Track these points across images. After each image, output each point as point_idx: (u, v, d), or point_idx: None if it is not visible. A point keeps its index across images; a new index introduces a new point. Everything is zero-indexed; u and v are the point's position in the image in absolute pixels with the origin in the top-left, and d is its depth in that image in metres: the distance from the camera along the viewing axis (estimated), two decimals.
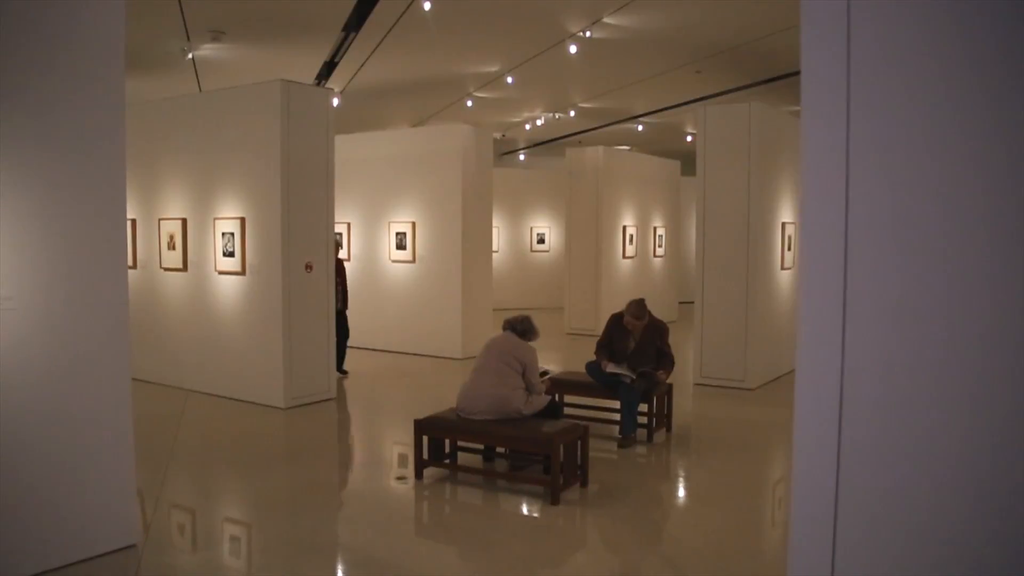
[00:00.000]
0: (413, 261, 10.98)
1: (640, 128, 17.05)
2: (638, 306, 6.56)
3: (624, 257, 13.96)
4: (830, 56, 1.77)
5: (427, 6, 7.75)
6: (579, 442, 5.26)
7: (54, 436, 3.94)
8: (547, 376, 6.03)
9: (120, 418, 4.22)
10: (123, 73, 4.16)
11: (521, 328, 5.52)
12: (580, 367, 7.15)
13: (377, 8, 8.09)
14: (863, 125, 1.77)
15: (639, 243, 14.38)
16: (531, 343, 5.56)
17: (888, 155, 1.75)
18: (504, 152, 21.65)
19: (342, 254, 10.57)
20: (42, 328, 3.89)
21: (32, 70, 3.80)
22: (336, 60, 10.21)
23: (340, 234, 10.70)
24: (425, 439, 5.49)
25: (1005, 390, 1.65)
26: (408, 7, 7.99)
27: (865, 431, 1.78)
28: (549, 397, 5.55)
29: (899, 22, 1.73)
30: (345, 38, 9.25)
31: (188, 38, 8.65)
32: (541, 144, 19.81)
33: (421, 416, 5.56)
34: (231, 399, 7.95)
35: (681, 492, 5.63)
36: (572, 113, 15.08)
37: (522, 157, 22.36)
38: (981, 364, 1.68)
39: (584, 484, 5.29)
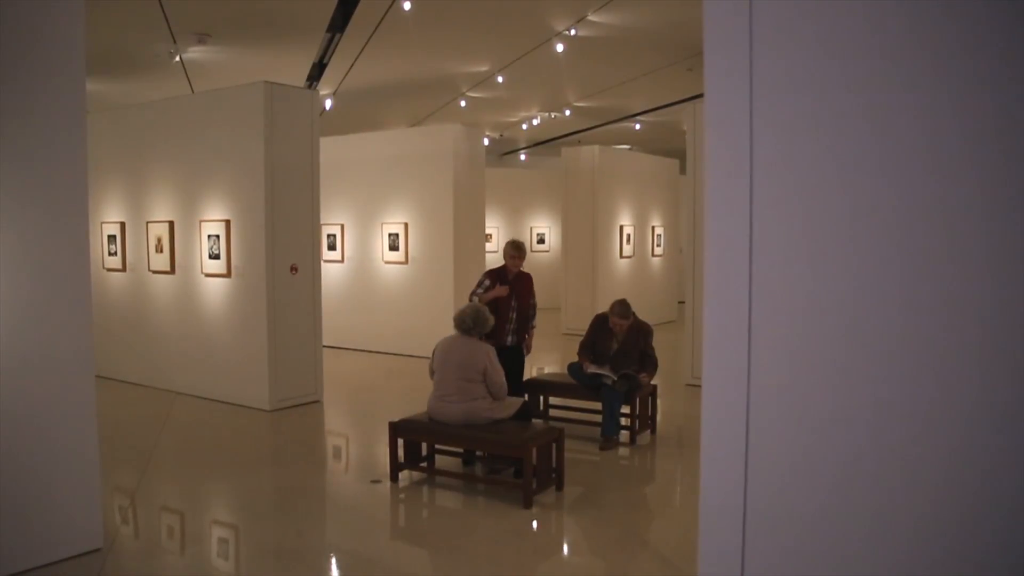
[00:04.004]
0: (406, 262, 10.95)
1: (638, 127, 16.95)
2: (623, 306, 6.51)
3: (621, 257, 13.88)
4: (734, 72, 1.73)
5: (407, 6, 7.71)
6: (554, 445, 5.21)
7: (16, 438, 3.91)
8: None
9: (85, 420, 4.19)
10: (83, 74, 4.13)
11: (468, 325, 5.31)
12: None
13: (359, 8, 8.05)
14: (766, 136, 1.73)
15: (637, 243, 14.28)
16: (487, 333, 5.38)
17: (791, 163, 1.71)
18: (505, 152, 21.60)
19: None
20: (3, 330, 3.87)
21: None
22: (325, 61, 10.18)
23: (521, 242, 7.04)
24: (401, 442, 5.46)
25: (907, 399, 1.60)
26: (390, 7, 7.95)
27: (771, 445, 1.73)
28: (521, 400, 5.51)
29: (800, 41, 1.69)
30: (331, 39, 9.22)
31: (174, 41, 8.65)
32: (541, 144, 19.74)
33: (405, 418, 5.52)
34: (217, 401, 7.94)
35: (660, 495, 5.57)
36: (568, 112, 15.00)
37: (523, 157, 22.30)
38: (887, 372, 1.63)
39: (560, 487, 5.24)
